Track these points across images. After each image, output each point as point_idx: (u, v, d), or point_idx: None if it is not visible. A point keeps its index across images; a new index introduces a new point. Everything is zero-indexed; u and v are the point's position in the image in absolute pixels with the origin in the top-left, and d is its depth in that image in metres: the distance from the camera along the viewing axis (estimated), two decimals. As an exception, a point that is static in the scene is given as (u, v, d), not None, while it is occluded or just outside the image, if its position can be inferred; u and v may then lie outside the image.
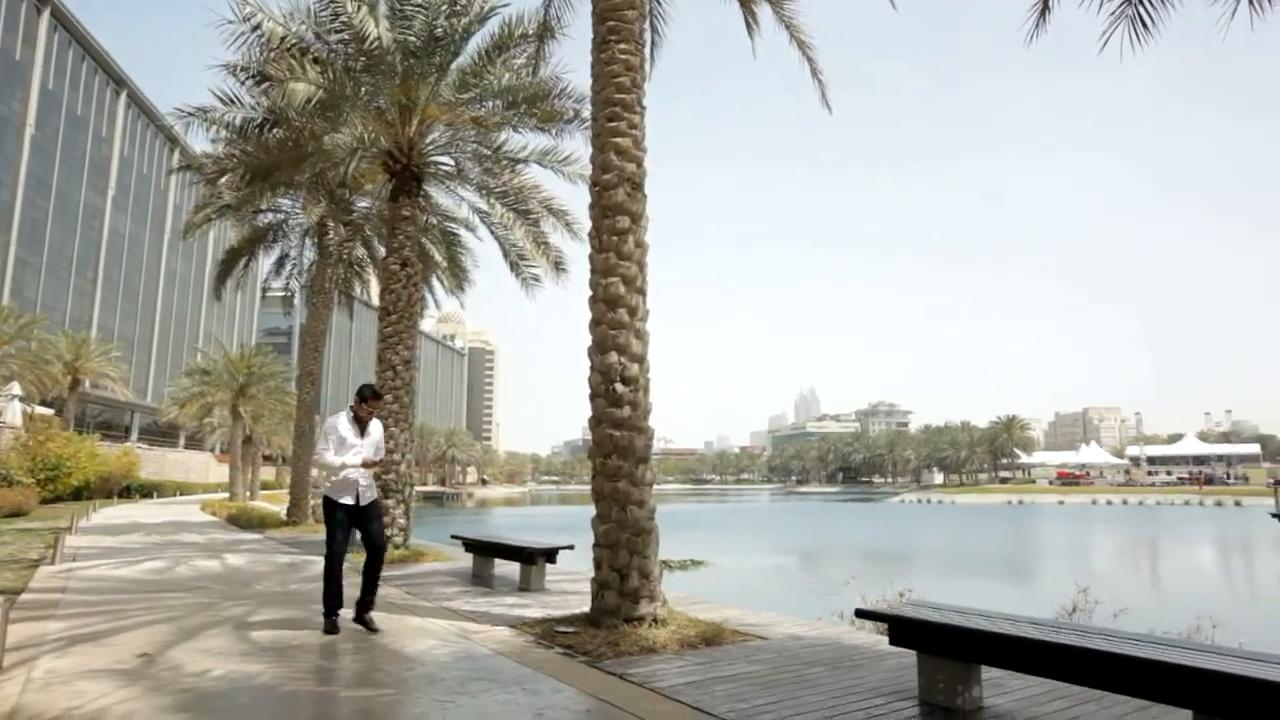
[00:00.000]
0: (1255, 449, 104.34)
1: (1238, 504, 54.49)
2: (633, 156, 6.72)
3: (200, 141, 21.56)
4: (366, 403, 5.99)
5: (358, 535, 6.15)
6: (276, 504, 29.76)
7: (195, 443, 66.53)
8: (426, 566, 10.21)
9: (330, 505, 5.91)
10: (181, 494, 47.43)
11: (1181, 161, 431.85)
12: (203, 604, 7.11)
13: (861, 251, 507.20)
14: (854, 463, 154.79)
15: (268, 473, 61.93)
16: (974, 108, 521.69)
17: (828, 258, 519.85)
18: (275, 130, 12.96)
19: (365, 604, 5.90)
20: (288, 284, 22.77)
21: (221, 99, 12.83)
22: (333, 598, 5.83)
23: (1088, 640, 3.42)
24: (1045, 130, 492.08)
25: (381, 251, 17.28)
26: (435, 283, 19.68)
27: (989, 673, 4.08)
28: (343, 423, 5.93)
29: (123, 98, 66.04)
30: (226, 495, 38.91)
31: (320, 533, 16.21)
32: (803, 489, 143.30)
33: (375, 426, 6.12)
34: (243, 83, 12.84)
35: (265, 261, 22.62)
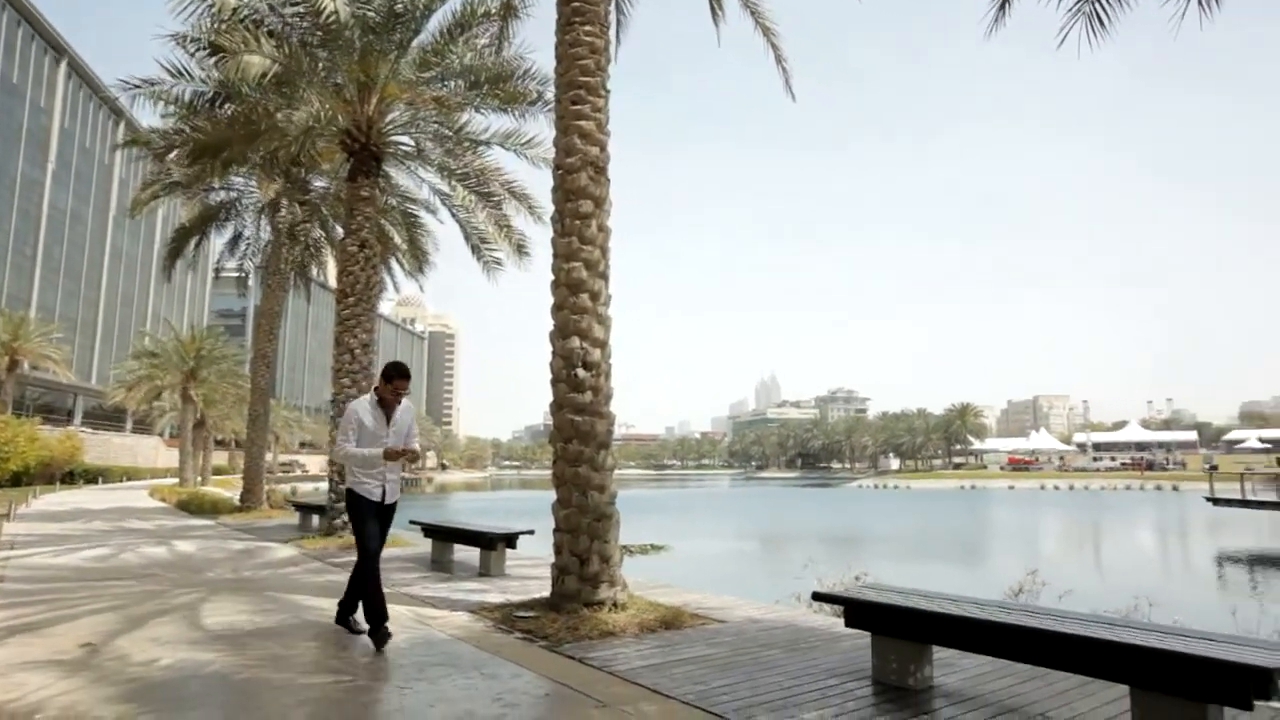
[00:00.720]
0: (1193, 436, 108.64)
1: (1175, 489, 56.76)
2: (596, 140, 6.67)
3: (147, 115, 20.84)
4: (392, 383, 5.10)
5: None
6: (230, 489, 29.13)
7: (143, 427, 64.57)
8: (384, 552, 10.06)
9: (355, 500, 5.12)
10: (129, 479, 46.11)
11: (1150, 151, 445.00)
12: (150, 592, 6.93)
13: (828, 239, 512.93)
14: (813, 449, 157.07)
15: (220, 458, 60.54)
16: (941, 97, 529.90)
17: (794, 245, 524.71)
18: (227, 105, 12.54)
19: (351, 606, 5.26)
20: (241, 264, 22.13)
21: (170, 71, 12.35)
22: (378, 606, 4.97)
23: (1032, 620, 3.54)
24: (1009, 117, 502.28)
25: (339, 232, 16.94)
26: (395, 265, 19.36)
27: (940, 653, 4.19)
28: (365, 409, 5.08)
29: (63, 66, 63.21)
30: (176, 481, 37.92)
31: (275, 518, 16.07)
32: (762, 474, 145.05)
33: (405, 411, 5.23)
34: (192, 55, 12.37)
35: (218, 241, 21.99)
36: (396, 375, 5.12)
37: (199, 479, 40.32)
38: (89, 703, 3.67)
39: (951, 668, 4.27)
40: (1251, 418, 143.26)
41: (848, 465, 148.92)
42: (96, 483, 40.55)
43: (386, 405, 5.13)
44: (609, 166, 6.78)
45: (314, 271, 22.81)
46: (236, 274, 22.86)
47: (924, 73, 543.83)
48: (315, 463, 79.41)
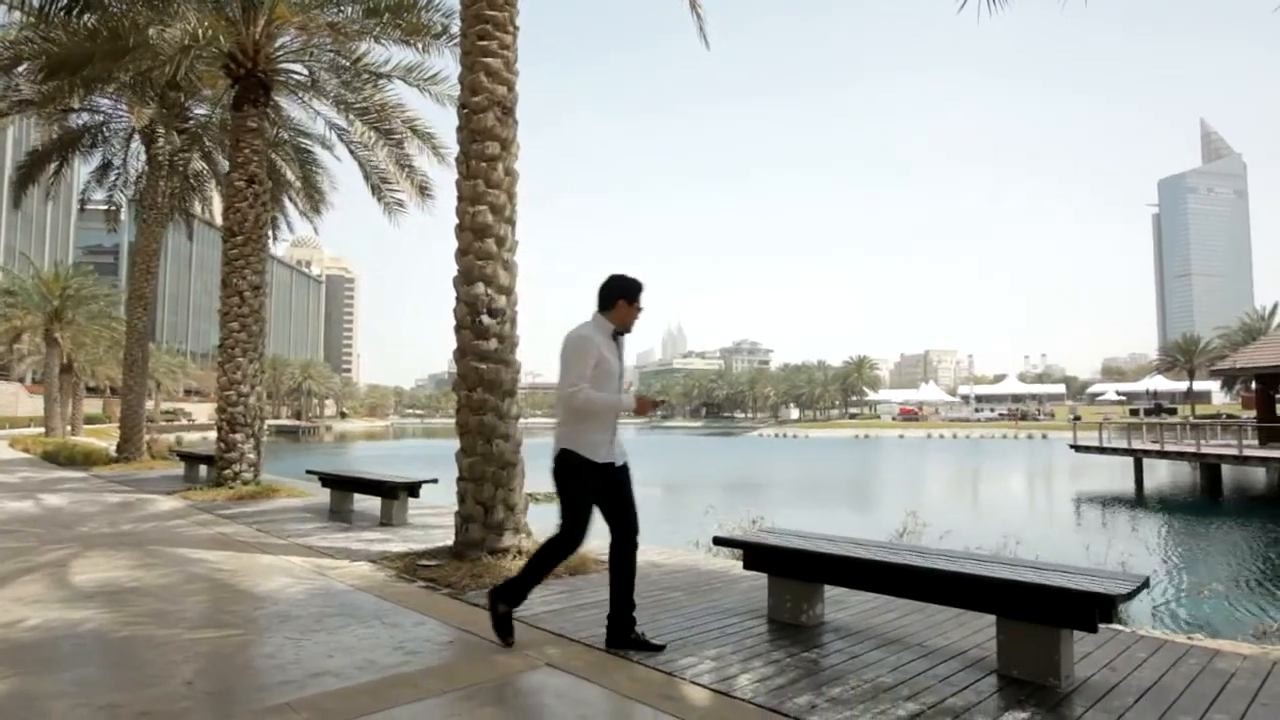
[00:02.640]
0: (1061, 389, 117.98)
1: (1044, 437, 61.68)
2: (504, 79, 6.42)
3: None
4: (636, 302, 3.86)
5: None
6: (105, 439, 27.24)
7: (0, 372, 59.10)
8: (279, 503, 9.75)
9: (579, 466, 3.73)
10: (-14, 429, 42.33)
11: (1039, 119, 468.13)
12: (12, 549, 6.44)
13: (736, 192, 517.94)
14: (717, 399, 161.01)
15: (93, 405, 56.38)
16: (848, 51, 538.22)
17: (703, 197, 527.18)
18: (87, 15, 11.26)
19: (629, 619, 3.84)
20: (112, 196, 20.24)
21: (17, -28, 10.96)
22: (526, 588, 3.90)
23: (913, 559, 3.80)
24: (913, 73, 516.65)
25: (225, 166, 15.72)
26: (288, 204, 18.22)
27: (831, 591, 4.44)
28: (601, 339, 3.78)
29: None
30: (42, 430, 35.09)
31: (158, 469, 15.15)
32: (667, 423, 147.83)
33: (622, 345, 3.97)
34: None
35: (83, 169, 19.99)
36: (641, 289, 3.89)
37: (68, 428, 37.46)
38: (-56, 668, 3.40)
39: (842, 605, 4.54)
40: (1111, 372, 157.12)
41: (750, 415, 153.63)
42: (-53, 432, 37.05)
43: (618, 335, 3.89)
44: (517, 108, 6.55)
45: (197, 207, 21.16)
46: (106, 207, 20.89)
47: (832, 25, 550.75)
48: (203, 411, 75.10)
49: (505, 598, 3.88)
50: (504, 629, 3.84)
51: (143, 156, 18.25)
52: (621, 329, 3.87)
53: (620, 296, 3.84)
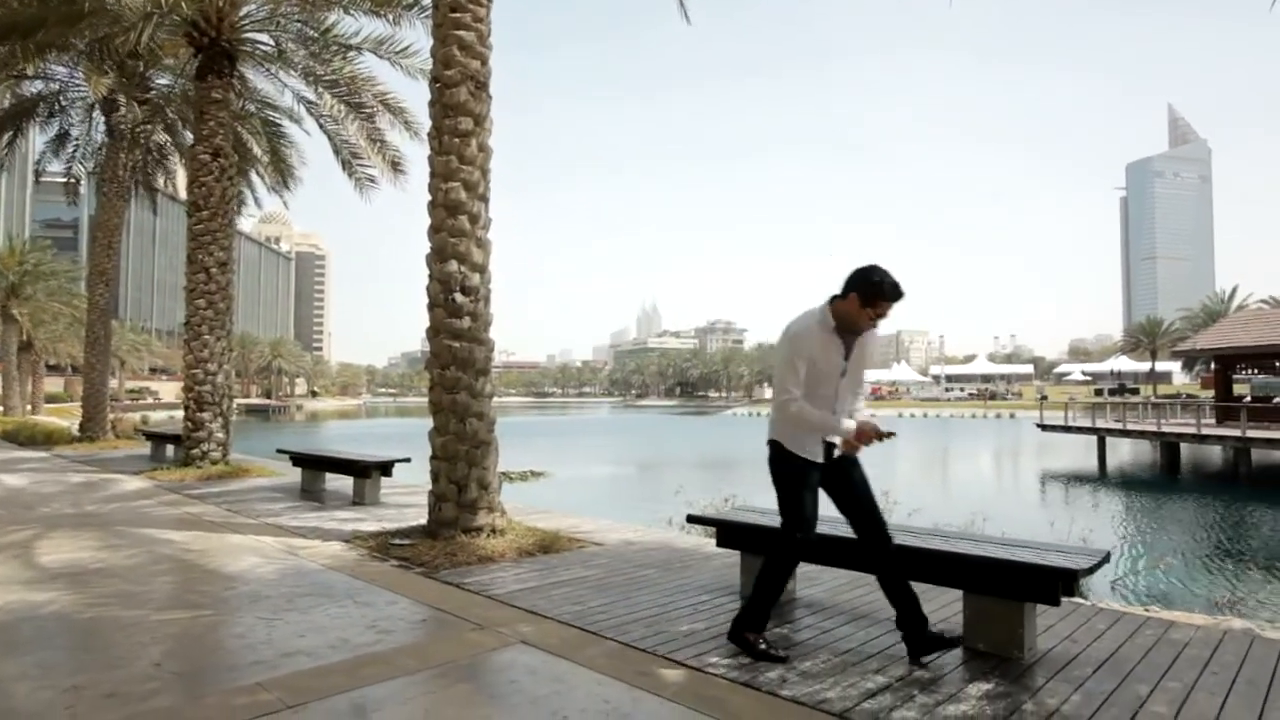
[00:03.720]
0: (1029, 369, 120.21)
1: (1012, 416, 62.84)
2: (477, 53, 6.31)
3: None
4: (876, 307, 3.25)
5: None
6: (68, 419, 26.66)
7: (-44, 350, 57.33)
8: (250, 482, 9.63)
9: (788, 461, 3.40)
10: (-59, 408, 41.09)
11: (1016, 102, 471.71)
12: (-26, 530, 6.29)
13: (711, 172, 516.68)
14: (691, 378, 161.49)
15: (54, 384, 55.03)
16: (822, 30, 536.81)
17: (680, 178, 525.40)
18: (41, -22, 10.83)
19: (919, 616, 3.35)
20: (70, 168, 19.58)
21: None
22: (770, 608, 3.46)
23: (884, 535, 3.85)
24: (886, 52, 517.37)
25: (189, 138, 15.31)
26: (255, 179, 17.78)
27: (803, 568, 4.49)
28: (814, 334, 3.29)
29: None
30: (1, 410, 34.21)
31: (123, 449, 14.86)
32: (641, 403, 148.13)
33: (870, 341, 3.43)
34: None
35: (38, 140, 19.30)
36: (888, 297, 3.24)
37: (28, 407, 36.58)
38: (-99, 651, 3.33)
39: (814, 581, 4.60)
40: (1077, 353, 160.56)
41: (724, 394, 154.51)
42: (-100, 411, 35.92)
43: (848, 332, 3.34)
44: (490, 82, 6.45)
45: (161, 181, 20.56)
46: (64, 179, 20.19)
47: (809, 4, 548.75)
48: (169, 390, 73.65)
49: (748, 627, 3.42)
50: (768, 655, 3.33)
51: (103, 127, 17.67)
52: (846, 327, 3.30)
53: (855, 289, 3.23)
